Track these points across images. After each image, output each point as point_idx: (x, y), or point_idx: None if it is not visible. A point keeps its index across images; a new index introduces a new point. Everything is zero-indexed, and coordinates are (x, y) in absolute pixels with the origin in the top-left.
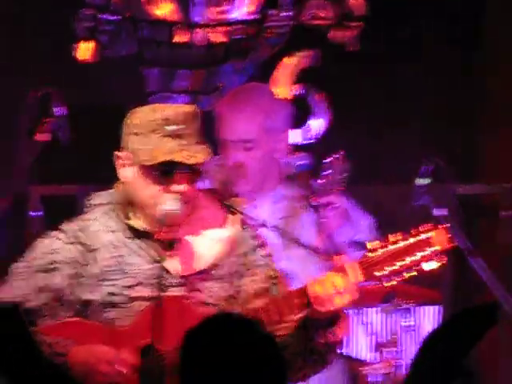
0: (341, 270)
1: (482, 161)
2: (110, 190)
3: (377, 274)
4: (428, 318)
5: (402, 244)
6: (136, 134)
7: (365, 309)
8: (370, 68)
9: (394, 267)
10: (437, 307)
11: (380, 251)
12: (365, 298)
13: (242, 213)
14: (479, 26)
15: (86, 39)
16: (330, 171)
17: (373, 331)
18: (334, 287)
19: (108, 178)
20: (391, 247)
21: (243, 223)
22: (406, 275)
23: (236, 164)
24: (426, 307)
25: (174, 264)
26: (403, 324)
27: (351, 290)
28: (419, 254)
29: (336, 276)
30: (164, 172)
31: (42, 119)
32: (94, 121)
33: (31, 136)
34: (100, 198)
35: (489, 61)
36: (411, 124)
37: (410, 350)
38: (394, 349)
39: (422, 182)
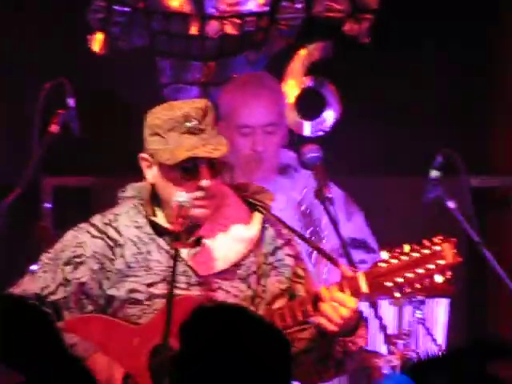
0: (354, 280)
1: (495, 154)
2: (142, 184)
3: (387, 284)
4: (439, 310)
5: (414, 255)
6: (155, 134)
7: (377, 301)
8: (382, 60)
9: (405, 278)
10: (445, 301)
11: (392, 261)
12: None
13: (267, 210)
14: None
15: (100, 30)
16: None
17: (385, 323)
18: (342, 305)
19: (120, 170)
20: (404, 258)
21: (268, 221)
22: (418, 287)
23: (257, 150)
24: (438, 299)
25: (197, 262)
26: (415, 316)
27: (357, 304)
28: (431, 266)
29: (346, 296)
30: (187, 169)
31: (55, 110)
32: (107, 112)
33: (44, 127)
34: (132, 190)
35: (503, 53)
36: (425, 116)
37: (422, 341)
38: (407, 341)
39: (434, 174)
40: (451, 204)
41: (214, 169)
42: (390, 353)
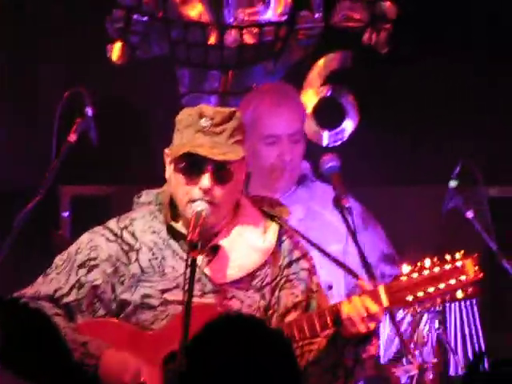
0: (374, 293)
1: None
2: (159, 189)
3: (408, 298)
4: (457, 319)
5: (435, 270)
6: (177, 129)
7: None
8: (401, 70)
9: (426, 293)
10: (464, 310)
11: (413, 276)
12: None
13: (285, 223)
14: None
15: (118, 40)
16: None
17: (403, 333)
18: (366, 311)
19: (139, 179)
20: (425, 273)
21: (285, 234)
22: (438, 301)
23: (285, 159)
24: (455, 308)
25: (212, 270)
26: (434, 325)
27: (381, 314)
28: (452, 282)
29: (369, 300)
30: (192, 169)
31: (73, 119)
32: (124, 122)
33: (63, 136)
34: (148, 196)
35: None
36: (447, 126)
37: (439, 350)
38: (425, 350)
39: (453, 184)
40: (470, 214)
41: (221, 175)
42: (408, 362)
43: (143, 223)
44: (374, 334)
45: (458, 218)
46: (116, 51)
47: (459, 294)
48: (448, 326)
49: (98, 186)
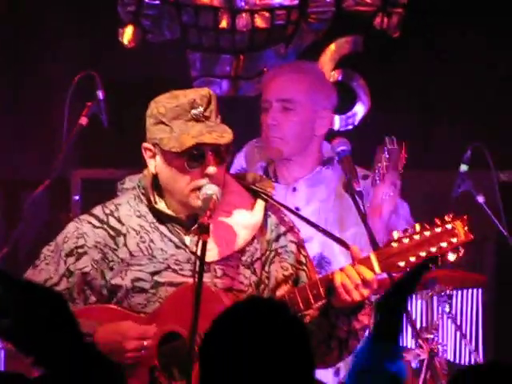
0: (366, 261)
1: None
2: (140, 175)
3: (400, 264)
4: (468, 303)
5: (426, 234)
6: (159, 122)
7: None
8: (417, 54)
9: (418, 257)
10: (475, 292)
11: (404, 241)
12: None
13: (270, 197)
14: None
15: (130, 23)
16: (387, 155)
17: (413, 317)
18: (360, 278)
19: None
20: (416, 237)
21: (270, 209)
22: (430, 265)
23: (272, 123)
24: (466, 292)
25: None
26: (444, 310)
27: (375, 281)
28: (443, 245)
29: (363, 267)
30: (194, 156)
31: (84, 102)
32: (135, 105)
33: (74, 119)
34: (132, 182)
35: None
36: (459, 110)
37: (450, 335)
38: (435, 335)
39: (464, 168)
40: (480, 198)
41: (219, 156)
42: (418, 347)
43: (128, 208)
44: (366, 303)
45: (469, 202)
46: (127, 35)
47: (451, 257)
48: (457, 311)
49: (108, 170)
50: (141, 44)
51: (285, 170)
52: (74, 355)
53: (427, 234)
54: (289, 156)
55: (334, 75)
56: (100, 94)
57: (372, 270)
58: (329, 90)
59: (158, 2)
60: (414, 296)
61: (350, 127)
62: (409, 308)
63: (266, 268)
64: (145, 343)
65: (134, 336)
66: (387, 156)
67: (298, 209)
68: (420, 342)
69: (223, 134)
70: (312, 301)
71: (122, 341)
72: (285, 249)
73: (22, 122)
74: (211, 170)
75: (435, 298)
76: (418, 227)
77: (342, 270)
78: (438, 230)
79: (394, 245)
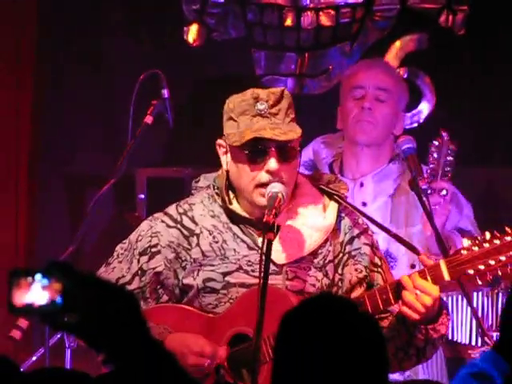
0: (436, 268)
1: None
2: (215, 173)
3: (469, 271)
4: None
5: (495, 242)
6: (229, 118)
7: (471, 293)
8: (480, 52)
9: (487, 266)
10: None
11: (473, 249)
12: (469, 284)
13: (343, 200)
14: None
15: (195, 22)
16: (436, 154)
17: (479, 315)
18: (424, 293)
19: (214, 161)
20: (485, 245)
21: (343, 211)
22: (499, 274)
23: (368, 106)
24: None
25: (273, 251)
26: None
27: (436, 290)
28: None
29: (428, 284)
30: (257, 152)
31: (150, 101)
32: (200, 103)
33: (139, 118)
34: (207, 180)
35: None
36: None
37: None
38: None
39: None
40: None
41: (285, 154)
42: (485, 344)
43: (202, 207)
44: (442, 313)
45: None
46: (192, 33)
47: None
48: None
49: (173, 168)
50: (206, 42)
51: (354, 164)
52: (146, 353)
53: (497, 242)
54: (376, 141)
55: (400, 73)
56: (165, 93)
57: (441, 277)
58: (408, 93)
59: (222, 1)
60: (479, 293)
61: (415, 125)
62: (474, 305)
63: (340, 270)
64: (205, 364)
65: (199, 353)
66: (436, 155)
67: (364, 204)
68: (486, 339)
69: (287, 132)
70: (381, 306)
71: (186, 354)
72: (359, 251)
73: (87, 120)
74: (272, 165)
75: (501, 295)
76: (488, 235)
77: (409, 276)
78: (509, 238)
79: (464, 252)
